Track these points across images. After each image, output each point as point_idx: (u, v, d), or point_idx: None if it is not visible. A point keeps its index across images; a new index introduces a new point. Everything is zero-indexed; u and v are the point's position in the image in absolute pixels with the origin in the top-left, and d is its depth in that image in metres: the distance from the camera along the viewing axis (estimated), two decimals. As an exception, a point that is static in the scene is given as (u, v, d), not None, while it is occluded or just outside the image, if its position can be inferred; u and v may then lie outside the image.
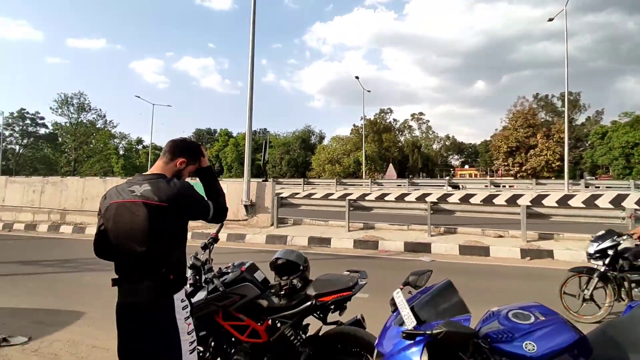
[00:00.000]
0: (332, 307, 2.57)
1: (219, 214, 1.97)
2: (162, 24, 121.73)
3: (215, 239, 2.90)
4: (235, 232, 10.08)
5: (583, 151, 50.36)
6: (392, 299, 1.87)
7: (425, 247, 8.41)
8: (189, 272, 2.62)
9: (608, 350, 1.59)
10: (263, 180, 11.35)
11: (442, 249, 8.28)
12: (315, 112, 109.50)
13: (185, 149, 1.99)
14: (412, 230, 9.90)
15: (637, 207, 9.34)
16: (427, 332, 1.51)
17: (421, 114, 66.88)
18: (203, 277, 2.60)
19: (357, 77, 37.04)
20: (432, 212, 9.34)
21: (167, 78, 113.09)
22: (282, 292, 2.59)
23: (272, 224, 10.62)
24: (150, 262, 1.79)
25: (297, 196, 14.48)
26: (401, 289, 1.93)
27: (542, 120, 51.67)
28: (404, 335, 1.59)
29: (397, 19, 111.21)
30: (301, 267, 2.72)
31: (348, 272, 2.73)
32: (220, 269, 2.80)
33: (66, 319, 4.31)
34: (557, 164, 43.95)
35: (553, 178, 38.20)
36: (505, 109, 59.39)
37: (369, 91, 40.02)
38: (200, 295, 2.58)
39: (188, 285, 2.59)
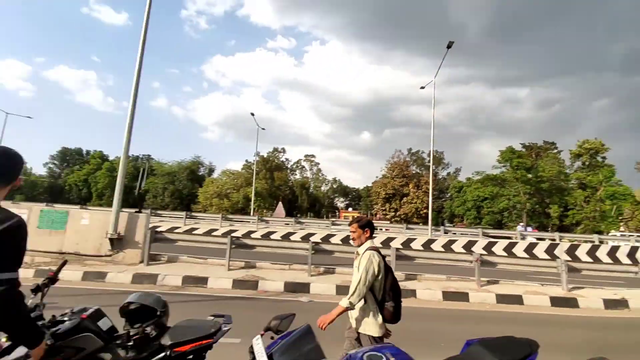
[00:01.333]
0: (191, 357, 2.32)
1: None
2: (35, 26, 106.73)
3: (52, 279, 2.42)
4: (95, 269, 8.74)
5: (444, 201, 58.57)
6: (251, 347, 1.77)
7: (304, 287, 8.46)
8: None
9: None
10: (137, 211, 10.23)
11: (320, 289, 8.44)
12: (208, 143, 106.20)
13: (19, 165, 1.63)
14: (293, 270, 9.93)
15: (483, 252, 11.06)
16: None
17: (313, 155, 70.24)
18: (27, 328, 2.11)
19: (252, 114, 37.35)
20: (313, 252, 9.56)
21: (33, 86, 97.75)
22: (130, 343, 2.24)
23: (141, 261, 9.53)
24: None
25: (176, 230, 13.41)
26: (262, 335, 1.84)
27: (414, 172, 58.95)
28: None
29: (297, 65, 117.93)
30: (158, 313, 2.41)
31: (212, 317, 2.53)
32: (54, 316, 2.32)
33: None
34: (424, 211, 50.14)
35: (421, 224, 43.26)
36: (385, 159, 66.40)
37: (263, 129, 40.63)
38: (22, 351, 2.07)
39: (3, 339, 2.08)
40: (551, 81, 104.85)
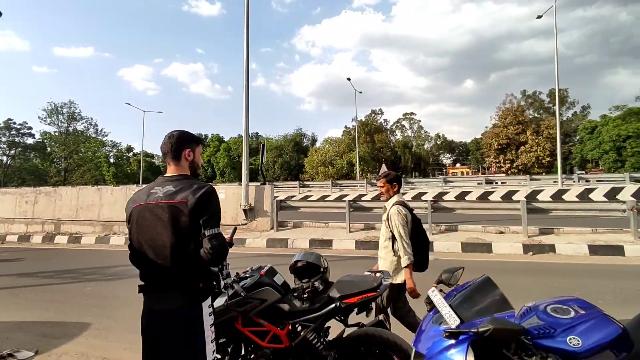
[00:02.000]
0: (357, 309, 2.52)
1: (217, 248, 1.77)
2: (150, 31, 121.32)
3: (230, 244, 2.84)
4: (235, 236, 9.97)
5: (572, 146, 51.03)
6: (428, 298, 1.83)
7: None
8: None
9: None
10: (261, 184, 11.25)
11: (444, 247, 8.29)
12: (306, 114, 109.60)
13: (181, 139, 1.93)
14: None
15: (633, 199, 9.47)
16: (473, 330, 1.48)
17: (412, 113, 67.27)
18: (222, 283, 2.54)
19: (348, 79, 37.10)
20: (432, 210, 9.36)
21: (156, 85, 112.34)
22: (304, 295, 2.53)
23: (271, 228, 10.55)
24: (178, 269, 1.74)
25: (294, 199, 14.43)
26: (435, 286, 1.89)
27: (531, 117, 52.27)
28: (446, 334, 1.55)
29: (385, 20, 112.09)
30: (321, 269, 2.67)
31: (369, 272, 2.69)
32: (237, 274, 2.74)
33: (72, 331, 4.20)
34: (547, 159, 44.51)
35: (544, 173, 38.65)
36: (494, 107, 60.11)
37: (360, 92, 40.12)
38: (220, 301, 2.51)
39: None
40: None
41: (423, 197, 15.57)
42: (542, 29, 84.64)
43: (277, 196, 14.22)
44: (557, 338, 1.56)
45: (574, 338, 1.54)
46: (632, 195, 13.12)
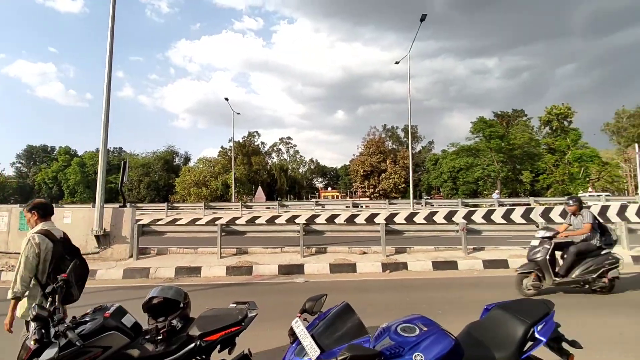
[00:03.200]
0: (219, 346, 2.35)
1: None
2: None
3: (67, 281, 2.38)
4: (83, 268, 8.53)
5: (421, 175, 59.72)
6: (291, 329, 1.82)
7: (298, 268, 8.58)
8: (32, 326, 2.07)
9: (475, 351, 1.84)
10: (120, 206, 9.96)
11: (314, 269, 8.57)
12: (180, 131, 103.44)
13: None
14: (286, 253, 10.01)
15: (463, 221, 11.44)
16: (332, 360, 1.51)
17: (289, 138, 69.65)
18: (52, 331, 2.08)
19: (226, 99, 36.55)
20: (304, 233, 9.65)
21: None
22: (159, 337, 2.25)
23: (130, 256, 9.37)
24: None
25: (160, 222, 13.18)
26: (299, 317, 1.89)
27: (390, 147, 59.58)
28: (307, 366, 1.55)
29: (265, 46, 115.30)
30: (181, 305, 2.43)
31: (235, 305, 2.56)
32: (74, 317, 2.30)
33: None
34: (402, 185, 51.15)
35: (400, 198, 44.10)
36: (361, 136, 66.70)
37: (238, 113, 39.89)
38: (50, 353, 2.05)
39: (32, 342, 2.06)
40: (518, 50, 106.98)
41: (297, 220, 15.99)
42: (399, 73, 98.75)
43: (141, 220, 12.81)
44: (405, 356, 1.71)
45: (418, 355, 1.70)
46: (463, 218, 15.86)
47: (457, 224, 10.06)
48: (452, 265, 8.65)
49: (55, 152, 64.18)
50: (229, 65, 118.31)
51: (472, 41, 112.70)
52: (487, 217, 16.16)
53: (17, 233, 9.23)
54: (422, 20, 19.68)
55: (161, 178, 53.03)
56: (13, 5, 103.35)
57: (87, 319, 2.28)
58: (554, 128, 45.59)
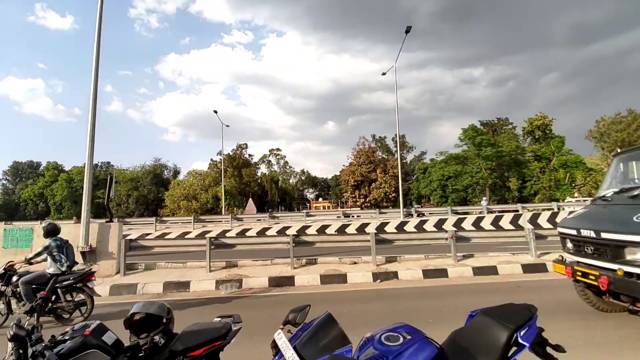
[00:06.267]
0: (203, 360, 2.31)
1: None
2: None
3: (46, 299, 2.33)
4: (68, 285, 8.34)
5: (411, 184, 60.07)
6: (274, 341, 1.80)
7: (289, 280, 8.50)
8: (10, 346, 2.01)
9: (460, 357, 1.84)
10: (107, 221, 9.81)
11: (305, 281, 8.51)
12: (170, 145, 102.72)
13: None
14: (276, 265, 9.94)
15: (454, 228, 11.53)
16: (312, 371, 1.49)
17: (278, 149, 69.71)
18: (30, 351, 2.03)
19: (215, 112, 36.56)
20: (294, 244, 9.60)
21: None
22: (140, 354, 2.21)
23: (117, 272, 9.21)
24: None
25: (148, 237, 12.99)
26: (281, 328, 1.87)
27: (380, 157, 59.94)
28: (288, 379, 1.53)
29: (255, 59, 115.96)
30: (164, 320, 2.38)
31: (219, 319, 2.52)
32: (53, 336, 2.24)
33: None
34: (393, 194, 51.35)
35: (390, 207, 44.26)
36: (351, 147, 67.06)
37: (227, 126, 39.85)
38: None
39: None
40: (504, 59, 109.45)
41: (287, 232, 15.91)
42: (388, 83, 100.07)
43: (128, 235, 12.61)
44: (388, 365, 1.70)
45: (401, 363, 1.69)
46: (453, 225, 15.95)
47: (446, 231, 10.11)
48: (442, 273, 8.67)
49: (41, 168, 63.17)
50: (219, 78, 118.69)
51: (459, 51, 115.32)
52: (477, 224, 16.28)
53: (1, 251, 9.01)
54: (407, 32, 20.06)
55: (150, 192, 52.44)
56: (4, 23, 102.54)
57: (67, 338, 2.23)
58: (536, 137, 46.51)
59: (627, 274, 4.32)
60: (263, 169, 66.86)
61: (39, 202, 56.84)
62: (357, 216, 28.36)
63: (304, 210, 31.71)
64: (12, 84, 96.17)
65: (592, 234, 4.81)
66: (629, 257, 4.32)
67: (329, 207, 63.39)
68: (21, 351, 2.04)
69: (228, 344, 2.32)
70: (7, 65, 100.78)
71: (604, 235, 4.60)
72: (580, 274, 4.94)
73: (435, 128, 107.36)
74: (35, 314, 2.19)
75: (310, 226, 17.66)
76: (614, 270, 4.42)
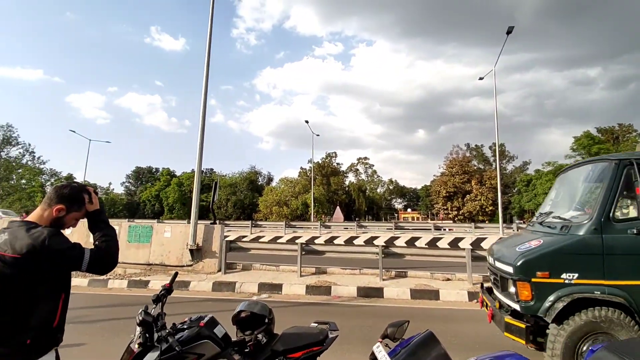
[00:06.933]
0: (301, 363, 2.38)
1: (99, 263, 1.78)
2: (107, 59, 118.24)
3: (169, 290, 2.62)
4: (179, 278, 9.37)
5: (511, 197, 54.95)
6: (372, 354, 1.78)
7: (378, 292, 8.37)
8: (137, 330, 2.32)
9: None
10: (211, 223, 10.83)
11: (394, 294, 8.29)
12: (263, 153, 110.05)
13: (64, 196, 1.85)
14: (364, 275, 9.87)
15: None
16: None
17: (366, 158, 69.79)
18: (155, 336, 2.31)
19: (306, 122, 38.08)
20: (383, 255, 9.44)
21: (108, 113, 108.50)
22: (246, 349, 2.36)
23: (219, 270, 10.06)
24: (3, 326, 1.58)
25: (245, 239, 13.99)
26: (380, 342, 1.84)
27: (475, 167, 56.11)
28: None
29: (344, 69, 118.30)
30: (266, 320, 2.52)
31: (316, 324, 2.59)
32: (174, 324, 2.52)
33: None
34: (490, 208, 47.45)
35: (487, 221, 40.95)
36: (443, 156, 63.98)
37: (317, 135, 41.15)
38: (152, 356, 2.26)
39: (136, 346, 2.29)
40: (625, 57, 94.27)
41: (375, 242, 15.75)
42: (485, 88, 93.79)
43: (228, 236, 13.74)
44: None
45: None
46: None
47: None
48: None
49: (158, 173, 72.47)
50: (309, 89, 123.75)
51: (569, 50, 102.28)
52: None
53: (126, 245, 10.50)
54: (508, 32, 18.57)
55: (246, 197, 56.59)
56: (124, 44, 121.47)
57: (185, 327, 2.48)
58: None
59: (501, 306, 4.15)
60: (351, 178, 67.51)
61: (155, 203, 65.16)
62: (450, 229, 26.83)
63: (392, 221, 31.04)
64: (134, 99, 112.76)
65: (491, 261, 4.56)
66: (510, 289, 3.91)
67: (418, 218, 61.16)
68: (147, 335, 2.32)
69: (325, 350, 2.36)
70: (128, 83, 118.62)
71: (496, 263, 4.26)
72: (484, 303, 4.62)
73: (542, 136, 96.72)
74: (161, 303, 2.48)
75: (399, 237, 17.26)
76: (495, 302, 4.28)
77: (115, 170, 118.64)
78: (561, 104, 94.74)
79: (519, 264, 3.74)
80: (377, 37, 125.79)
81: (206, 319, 2.51)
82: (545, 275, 3.60)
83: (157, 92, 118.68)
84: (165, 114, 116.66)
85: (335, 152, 64.47)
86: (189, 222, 10.79)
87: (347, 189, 62.62)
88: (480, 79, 23.71)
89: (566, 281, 3.54)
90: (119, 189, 76.59)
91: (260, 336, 2.42)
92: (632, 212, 3.74)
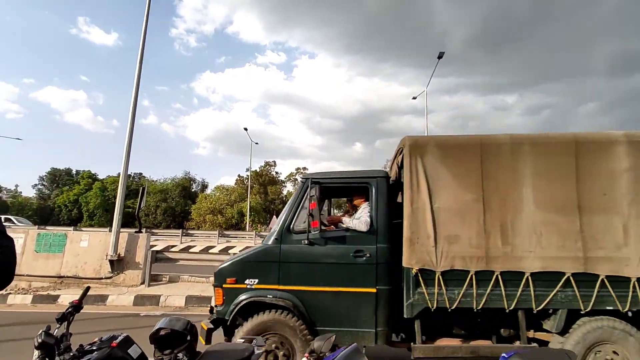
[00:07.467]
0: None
1: None
2: (23, 47, 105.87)
3: (77, 307, 2.36)
4: (95, 292, 8.55)
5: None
6: (298, 371, 1.75)
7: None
8: (35, 354, 2.04)
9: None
10: (136, 232, 10.08)
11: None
12: (199, 159, 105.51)
13: None
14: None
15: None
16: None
17: (305, 168, 70.15)
18: (57, 360, 2.05)
19: (245, 129, 37.48)
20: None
21: (21, 107, 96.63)
22: (164, 371, 2.20)
23: (142, 282, 9.36)
24: None
25: (173, 249, 13.23)
26: (307, 357, 1.82)
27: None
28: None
29: (287, 79, 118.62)
30: (188, 338, 2.38)
31: (242, 340, 2.49)
32: (81, 346, 2.26)
33: None
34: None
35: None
36: (378, 169, 66.67)
37: (256, 143, 40.73)
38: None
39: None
40: (540, 87, 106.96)
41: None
42: (417, 107, 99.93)
43: (154, 246, 12.89)
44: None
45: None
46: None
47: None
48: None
49: (78, 176, 66.19)
50: (250, 96, 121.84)
51: (491, 78, 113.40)
52: None
53: (33, 255, 9.38)
54: (439, 57, 20.08)
55: (178, 204, 53.71)
56: (47, 34, 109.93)
57: (94, 348, 2.25)
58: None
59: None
60: (289, 187, 67.36)
61: (72, 209, 59.23)
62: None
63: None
64: (54, 93, 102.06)
65: None
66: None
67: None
68: (48, 359, 2.06)
69: (251, 367, 2.28)
70: (47, 75, 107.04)
71: None
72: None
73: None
74: (66, 322, 2.23)
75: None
76: None
77: (26, 171, 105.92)
78: (482, 126, 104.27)
79: (216, 271, 4.06)
80: (320, 50, 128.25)
81: (120, 338, 2.29)
82: (232, 281, 3.90)
83: (82, 88, 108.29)
84: (91, 111, 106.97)
85: (274, 161, 63.99)
86: (110, 230, 9.95)
87: (284, 198, 62.32)
88: (414, 98, 25.24)
89: (248, 286, 3.86)
90: (29, 192, 68.41)
91: (180, 355, 2.27)
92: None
